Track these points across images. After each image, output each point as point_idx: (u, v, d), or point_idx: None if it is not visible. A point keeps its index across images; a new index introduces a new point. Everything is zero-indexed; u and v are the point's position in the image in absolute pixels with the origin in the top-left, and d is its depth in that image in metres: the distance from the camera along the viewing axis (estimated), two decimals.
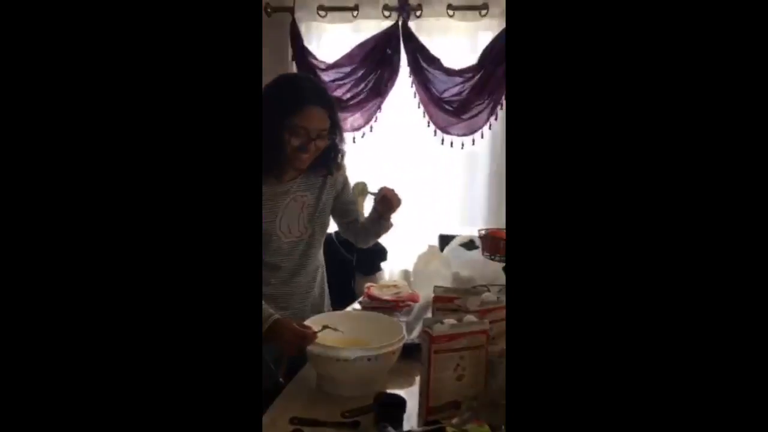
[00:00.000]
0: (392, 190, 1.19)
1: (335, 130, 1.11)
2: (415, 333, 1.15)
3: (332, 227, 1.28)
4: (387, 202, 1.17)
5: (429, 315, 1.26)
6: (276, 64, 2.07)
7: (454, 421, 0.79)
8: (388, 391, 0.91)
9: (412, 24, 2.05)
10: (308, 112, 1.03)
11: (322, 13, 2.10)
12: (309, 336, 0.93)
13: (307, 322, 0.99)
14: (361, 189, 1.26)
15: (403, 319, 1.19)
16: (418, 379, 0.99)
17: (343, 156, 1.19)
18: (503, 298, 1.07)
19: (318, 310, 1.22)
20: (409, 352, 1.03)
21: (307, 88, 1.05)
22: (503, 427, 0.79)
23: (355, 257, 2.01)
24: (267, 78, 1.08)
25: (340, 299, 1.45)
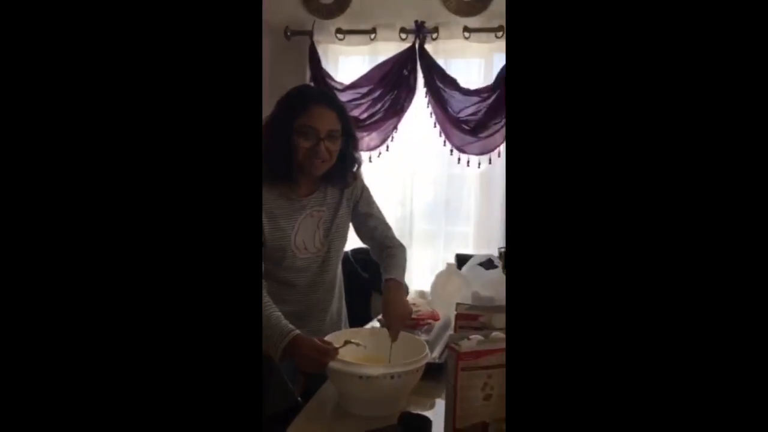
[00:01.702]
0: (400, 313, 1.03)
1: (348, 138, 1.10)
2: (436, 352, 1.11)
3: (348, 245, 1.26)
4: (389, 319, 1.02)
5: (450, 333, 1.23)
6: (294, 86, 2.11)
7: None
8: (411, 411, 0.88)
9: (429, 46, 2.08)
10: (314, 111, 1.03)
11: (340, 36, 2.15)
12: (330, 351, 0.90)
13: (327, 338, 0.97)
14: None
15: (424, 337, 1.16)
16: (439, 400, 0.96)
17: (359, 165, 1.18)
18: None
19: (335, 328, 1.20)
20: (431, 372, 0.99)
21: (312, 90, 1.07)
22: None
23: (370, 276, 1.98)
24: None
25: (356, 318, 1.42)
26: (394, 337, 1.00)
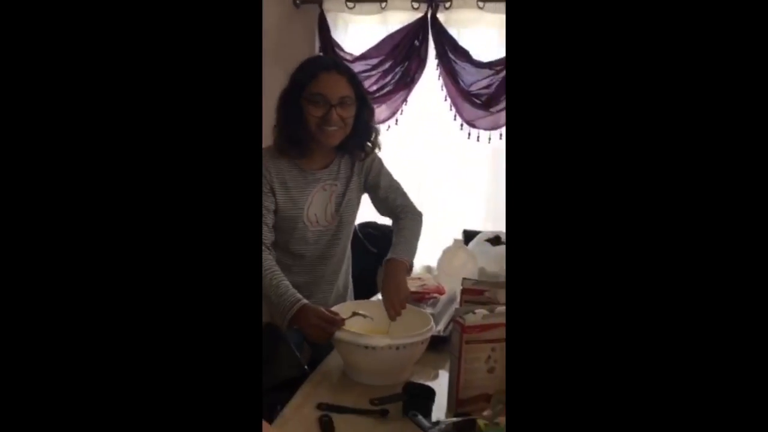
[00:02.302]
0: (399, 296, 1.01)
1: (363, 106, 1.08)
2: (441, 325, 1.13)
3: (357, 219, 1.26)
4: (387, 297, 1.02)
5: (456, 307, 1.24)
6: (303, 56, 2.07)
7: (485, 413, 0.77)
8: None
9: (441, 16, 2.02)
10: (323, 78, 1.02)
11: (351, 4, 2.09)
12: (337, 321, 0.92)
13: (335, 309, 0.98)
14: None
15: (429, 310, 1.17)
16: (443, 372, 0.98)
17: (377, 135, 1.16)
18: None
19: (341, 300, 1.21)
20: (435, 344, 1.01)
21: (322, 59, 1.06)
22: None
23: (378, 250, 1.99)
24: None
25: (362, 291, 1.44)
26: (392, 317, 1.00)
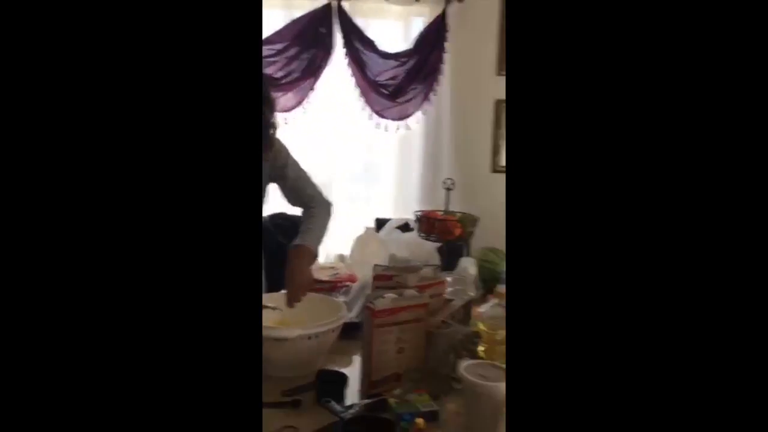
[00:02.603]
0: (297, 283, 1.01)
1: (265, 107, 1.05)
2: (354, 312, 1.14)
3: (266, 211, 1.22)
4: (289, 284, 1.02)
5: (367, 293, 1.26)
6: None
7: (396, 392, 0.80)
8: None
9: (347, 5, 2.01)
10: None
11: None
12: None
13: None
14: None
15: (342, 299, 1.18)
16: (356, 357, 1.00)
17: (275, 130, 1.13)
18: (440, 274, 1.11)
19: None
20: (348, 331, 1.02)
21: None
22: (442, 395, 0.82)
23: (287, 241, 1.95)
24: None
25: (275, 283, 1.40)
26: (289, 304, 0.99)
